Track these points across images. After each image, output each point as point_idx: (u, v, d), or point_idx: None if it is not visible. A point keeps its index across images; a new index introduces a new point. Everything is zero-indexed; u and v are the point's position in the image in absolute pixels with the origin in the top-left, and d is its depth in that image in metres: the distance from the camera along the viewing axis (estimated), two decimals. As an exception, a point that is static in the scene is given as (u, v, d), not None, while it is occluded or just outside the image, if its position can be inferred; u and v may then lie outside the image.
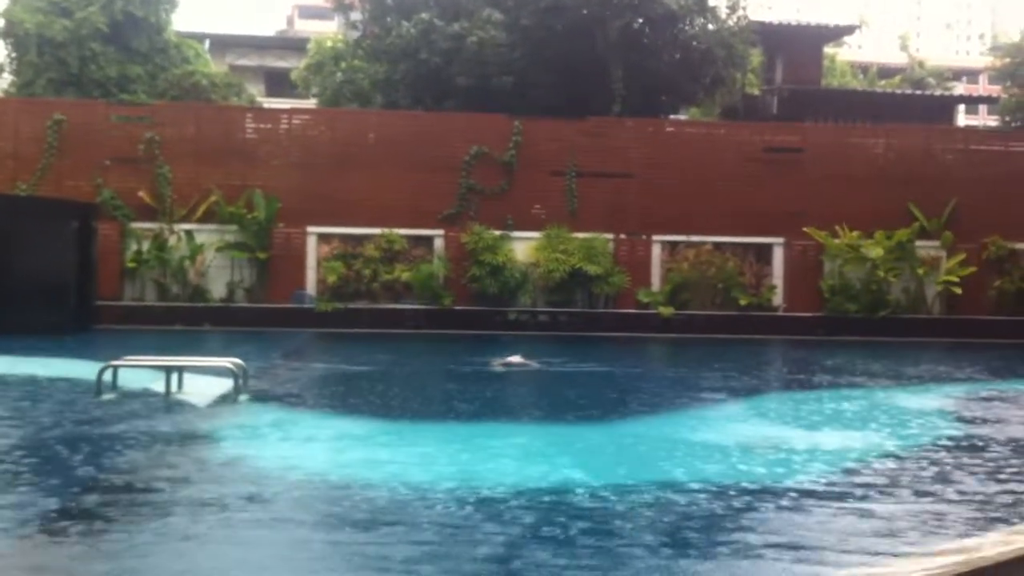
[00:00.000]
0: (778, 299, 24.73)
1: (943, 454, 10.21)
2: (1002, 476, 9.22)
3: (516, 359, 16.72)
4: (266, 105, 31.72)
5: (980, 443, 10.86)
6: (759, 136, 25.79)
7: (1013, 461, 9.92)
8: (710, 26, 27.40)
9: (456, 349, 20.35)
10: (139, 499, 7.84)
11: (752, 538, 7.07)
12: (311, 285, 24.00)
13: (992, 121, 48.60)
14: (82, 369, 14.30)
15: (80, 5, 29.06)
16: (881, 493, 8.41)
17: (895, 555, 6.64)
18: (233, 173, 24.11)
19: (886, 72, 49.23)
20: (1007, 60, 38.09)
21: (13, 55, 29.83)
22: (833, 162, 25.33)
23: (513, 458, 9.68)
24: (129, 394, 12.66)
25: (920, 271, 24.38)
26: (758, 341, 22.87)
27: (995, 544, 6.57)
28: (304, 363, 18.38)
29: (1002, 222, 24.91)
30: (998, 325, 24.29)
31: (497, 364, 16.75)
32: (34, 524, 7.07)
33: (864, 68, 49.29)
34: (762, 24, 30.43)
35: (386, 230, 23.94)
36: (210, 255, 23.61)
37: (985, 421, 12.33)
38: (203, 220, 23.82)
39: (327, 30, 45.90)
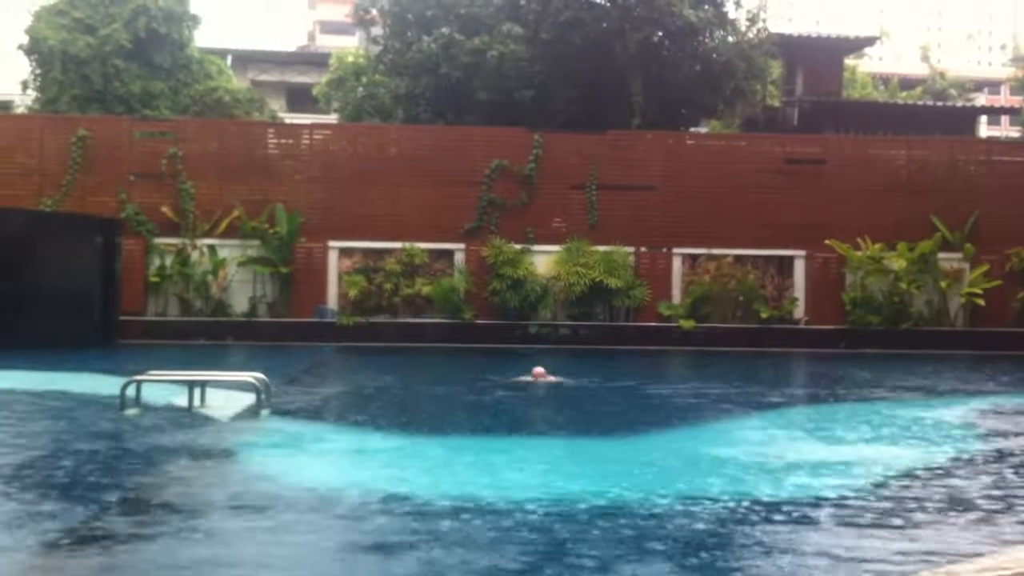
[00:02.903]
0: (800, 311, 24.62)
1: (976, 467, 10.12)
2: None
3: (540, 370, 16.49)
4: (288, 120, 31.92)
5: (1011, 456, 10.76)
6: (780, 148, 25.72)
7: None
8: (730, 39, 27.45)
9: (477, 363, 20.35)
10: (161, 513, 7.87)
11: (793, 552, 7.03)
12: (332, 299, 24.07)
13: (1014, 132, 48.37)
14: (106, 383, 14.37)
15: (104, 22, 29.34)
16: (913, 508, 8.34)
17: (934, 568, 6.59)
18: (255, 188, 24.24)
19: (907, 83, 49.03)
20: (1029, 71, 37.92)
21: (37, 72, 30.11)
22: (855, 174, 25.22)
23: (537, 472, 9.66)
24: (153, 408, 12.71)
25: (943, 283, 24.22)
26: (780, 354, 22.77)
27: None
28: (326, 378, 18.43)
29: (1026, 234, 24.75)
30: (1022, 337, 24.10)
31: (521, 379, 16.53)
32: (56, 537, 7.10)
33: (885, 79, 49.11)
34: (782, 36, 30.44)
35: (407, 244, 24.00)
36: (232, 270, 23.73)
37: (1015, 435, 12.21)
38: (225, 235, 23.94)
39: (348, 45, 46.16)
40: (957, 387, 17.47)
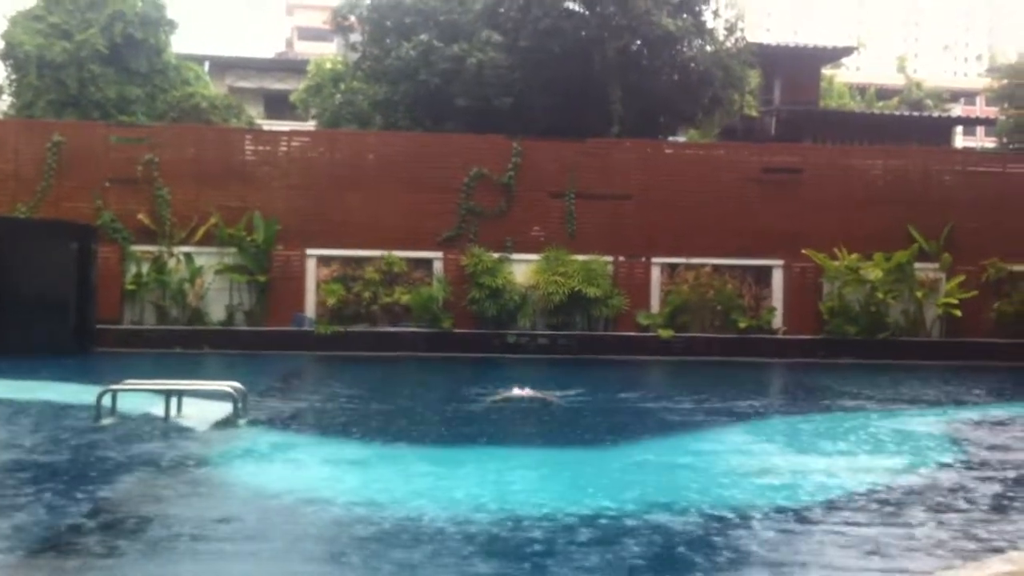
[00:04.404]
0: (777, 321, 24.69)
1: (949, 478, 10.15)
2: (1005, 501, 9.18)
3: (519, 391, 16.07)
4: (265, 127, 31.76)
5: (984, 468, 10.80)
6: (758, 157, 25.79)
7: (1018, 487, 9.88)
8: (708, 48, 27.54)
9: (456, 373, 20.30)
10: (136, 525, 7.79)
11: (771, 560, 7.02)
12: (310, 308, 23.96)
13: (990, 142, 48.76)
14: (81, 392, 14.24)
15: (80, 27, 29.12)
16: (885, 517, 8.36)
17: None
18: (232, 195, 24.10)
19: (884, 94, 49.37)
20: (1004, 81, 38.28)
21: (13, 77, 29.87)
22: (832, 183, 25.33)
23: (509, 483, 9.64)
24: (129, 418, 12.59)
25: (919, 293, 24.34)
26: (758, 364, 22.83)
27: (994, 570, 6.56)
28: (303, 387, 18.33)
29: (1001, 244, 24.88)
30: (998, 347, 24.24)
31: (498, 398, 16.14)
32: (28, 549, 7.02)
33: (862, 89, 49.45)
34: (760, 46, 30.59)
35: (385, 252, 23.91)
36: (209, 278, 23.59)
37: (989, 446, 12.27)
38: (202, 242, 23.79)
39: (326, 52, 46.08)
40: (933, 398, 17.55)
